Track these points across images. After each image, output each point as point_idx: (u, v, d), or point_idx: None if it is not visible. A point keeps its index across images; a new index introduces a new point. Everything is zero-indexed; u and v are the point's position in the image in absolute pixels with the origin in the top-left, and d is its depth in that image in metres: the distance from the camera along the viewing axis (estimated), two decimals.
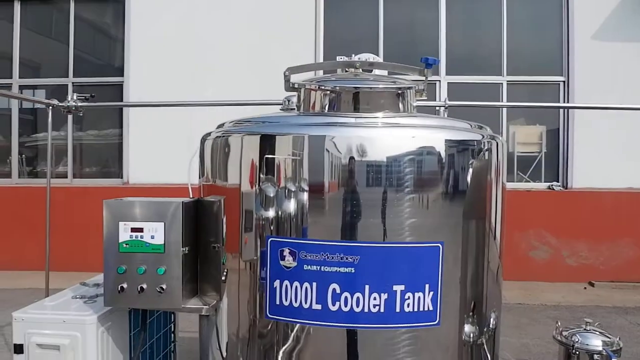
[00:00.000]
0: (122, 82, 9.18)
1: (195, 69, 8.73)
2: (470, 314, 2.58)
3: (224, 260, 2.63)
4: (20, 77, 9.46)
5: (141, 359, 3.34)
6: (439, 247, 2.34)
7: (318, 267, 2.30)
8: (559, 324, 3.41)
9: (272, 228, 2.40)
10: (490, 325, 2.74)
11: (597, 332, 3.26)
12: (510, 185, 9.15)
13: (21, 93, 9.16)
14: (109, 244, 2.71)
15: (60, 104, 5.24)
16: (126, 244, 2.70)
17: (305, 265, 2.31)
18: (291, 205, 2.37)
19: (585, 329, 3.30)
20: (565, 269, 8.89)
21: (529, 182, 9.38)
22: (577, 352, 3.18)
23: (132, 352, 3.21)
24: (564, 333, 3.31)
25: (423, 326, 2.36)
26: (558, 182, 9.29)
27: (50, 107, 5.21)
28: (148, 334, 3.48)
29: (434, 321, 2.36)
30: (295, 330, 2.39)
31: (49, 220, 5.05)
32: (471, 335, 2.59)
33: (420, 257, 2.32)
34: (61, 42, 9.52)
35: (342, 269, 2.28)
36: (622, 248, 8.76)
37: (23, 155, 9.73)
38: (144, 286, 2.69)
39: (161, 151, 8.52)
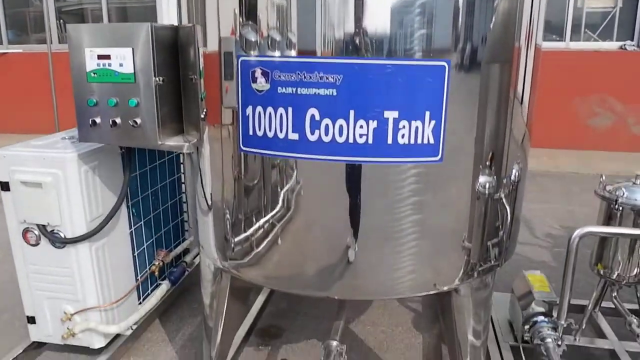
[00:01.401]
0: None
1: None
2: (487, 164, 2.17)
3: (202, 96, 2.30)
4: None
5: (143, 204, 3.23)
6: (444, 66, 1.87)
7: (294, 90, 1.91)
8: (604, 177, 2.93)
9: (243, 46, 1.99)
10: (512, 180, 2.33)
11: None
12: (575, 46, 8.24)
13: None
14: (76, 75, 2.44)
15: None
16: (94, 74, 2.41)
17: (279, 88, 1.92)
18: (267, 17, 1.94)
19: (634, 183, 2.82)
20: (629, 138, 8.11)
21: (598, 41, 8.29)
22: (621, 208, 2.74)
23: (129, 195, 3.07)
24: (608, 187, 2.85)
25: (421, 162, 1.97)
26: (632, 41, 8.15)
27: None
28: (153, 180, 3.33)
29: (436, 156, 1.96)
30: (273, 165, 2.08)
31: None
32: (487, 186, 2.20)
33: (419, 78, 1.87)
34: None
35: (321, 91, 1.88)
36: None
37: (61, 21, 9.55)
38: (117, 120, 2.43)
39: None
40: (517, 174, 2.42)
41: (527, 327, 2.81)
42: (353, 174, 1.99)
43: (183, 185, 3.76)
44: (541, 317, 2.80)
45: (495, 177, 2.23)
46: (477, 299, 2.35)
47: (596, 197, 2.88)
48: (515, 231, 2.55)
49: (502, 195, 2.35)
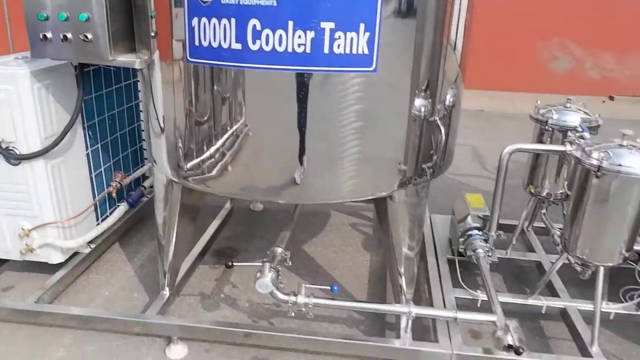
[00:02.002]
0: None
1: None
2: (423, 88, 2.32)
3: (152, 14, 2.34)
4: None
5: (99, 127, 3.29)
6: None
7: (236, 0, 1.99)
8: (539, 102, 3.12)
9: None
10: (447, 104, 2.50)
11: (577, 110, 2.98)
12: None
13: None
14: None
15: None
16: None
17: None
18: None
19: (565, 106, 3.02)
20: (586, 82, 8.37)
21: None
22: (551, 129, 2.95)
23: (85, 117, 3.13)
24: (541, 111, 3.04)
25: (356, 71, 2.10)
26: None
27: None
28: (109, 104, 3.38)
29: (370, 67, 2.09)
30: (220, 76, 2.18)
31: None
32: (423, 104, 2.35)
33: None
34: None
35: (262, 2, 1.97)
36: None
37: None
38: (68, 35, 2.46)
39: None
40: (451, 99, 2.57)
41: (462, 240, 3.04)
42: (295, 83, 2.11)
43: (141, 113, 3.81)
44: (475, 231, 3.03)
45: (430, 96, 2.37)
46: (411, 208, 2.54)
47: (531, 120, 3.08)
48: (450, 150, 2.73)
49: (437, 117, 2.51)
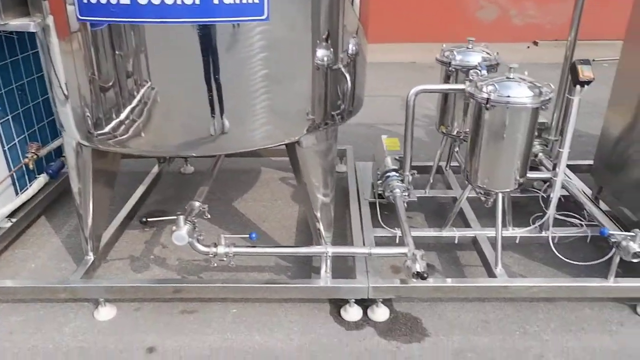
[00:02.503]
0: None
1: None
2: (324, 38, 2.38)
3: None
4: None
5: (7, 98, 3.19)
6: None
7: None
8: (445, 46, 3.23)
9: None
10: (349, 53, 2.58)
11: (480, 50, 3.11)
12: None
13: None
14: None
15: None
16: None
17: None
18: None
19: (467, 48, 3.14)
20: (511, 29, 8.62)
21: None
22: (454, 70, 3.07)
23: None
24: (446, 53, 3.16)
25: (248, 20, 2.13)
26: None
27: None
28: (17, 74, 3.27)
29: (262, 15, 2.12)
30: (114, 34, 2.16)
31: None
32: (325, 54, 2.41)
33: None
34: None
35: None
36: (570, 5, 8.39)
37: None
38: None
39: None
40: (354, 48, 2.64)
41: (379, 182, 3.17)
42: (191, 36, 2.11)
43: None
44: (393, 173, 3.16)
45: (332, 45, 2.44)
46: (321, 154, 2.62)
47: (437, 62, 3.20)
48: (358, 97, 2.81)
49: (341, 65, 2.58)
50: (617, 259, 2.49)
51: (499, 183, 2.63)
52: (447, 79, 3.16)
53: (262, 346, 2.50)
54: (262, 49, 2.24)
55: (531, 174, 2.84)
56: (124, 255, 3.20)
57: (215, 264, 2.63)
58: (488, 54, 3.12)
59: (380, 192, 3.19)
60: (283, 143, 2.51)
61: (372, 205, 3.34)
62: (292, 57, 2.35)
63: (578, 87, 2.55)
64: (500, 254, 2.69)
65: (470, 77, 2.58)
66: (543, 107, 2.42)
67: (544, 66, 7.85)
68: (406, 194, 3.08)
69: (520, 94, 2.39)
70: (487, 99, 2.38)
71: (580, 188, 3.36)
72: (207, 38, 2.15)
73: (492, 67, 2.99)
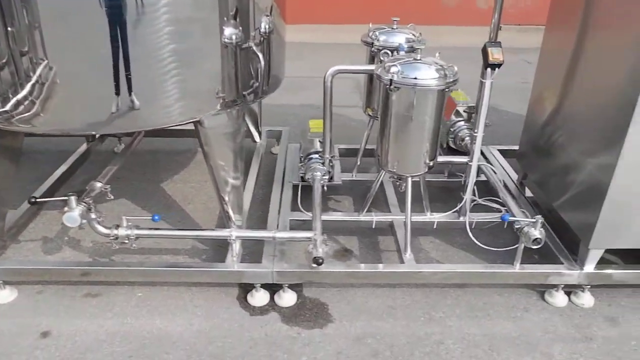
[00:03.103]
0: None
1: None
2: (231, 15, 2.31)
3: None
4: None
5: None
6: None
7: None
8: (371, 26, 3.15)
9: None
10: (262, 31, 2.51)
11: (404, 31, 3.04)
12: None
13: None
14: None
15: None
16: None
17: None
18: None
19: (392, 28, 3.06)
20: (476, 13, 8.55)
21: None
22: (377, 51, 2.99)
23: None
24: (370, 34, 3.08)
25: None
26: None
27: None
28: None
29: None
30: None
31: None
32: (234, 33, 2.32)
33: None
34: None
35: None
36: None
37: None
38: None
39: None
40: (267, 26, 2.55)
41: (301, 165, 3.11)
42: (91, 8, 2.02)
43: None
44: (315, 156, 3.10)
45: (241, 24, 2.35)
46: (228, 133, 2.54)
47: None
48: (275, 76, 2.73)
49: (253, 44, 2.50)
50: (521, 246, 2.47)
51: (408, 167, 2.58)
52: (372, 60, 3.08)
53: (161, 331, 2.44)
54: (167, 24, 2.15)
55: (445, 158, 2.80)
56: (38, 236, 3.10)
57: (117, 246, 2.55)
58: (413, 34, 3.04)
59: (301, 174, 3.13)
60: (184, 123, 2.43)
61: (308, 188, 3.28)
62: (198, 34, 2.27)
63: (489, 69, 2.49)
64: (409, 239, 2.66)
65: (381, 58, 2.50)
66: (448, 89, 2.35)
67: (509, 50, 7.89)
68: (326, 177, 3.02)
69: (426, 75, 2.33)
70: (391, 80, 2.31)
71: (501, 174, 3.35)
72: (108, 11, 2.05)
73: (414, 49, 2.92)
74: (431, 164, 2.58)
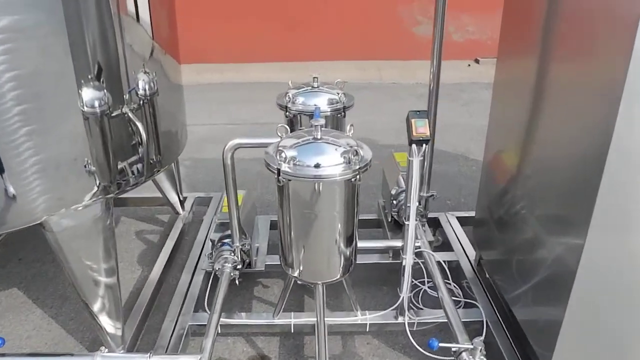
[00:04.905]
0: None
1: None
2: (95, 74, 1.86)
3: None
4: None
5: None
6: None
7: None
8: (291, 84, 2.67)
9: None
10: (141, 93, 2.04)
11: (325, 90, 2.55)
12: None
13: None
14: None
15: None
16: None
17: None
18: None
19: (312, 87, 2.58)
20: (451, 46, 8.11)
21: None
22: (292, 115, 2.50)
23: None
24: (289, 93, 2.59)
25: None
26: None
27: None
28: None
29: None
30: None
31: None
32: (97, 101, 1.86)
33: None
34: None
35: None
36: None
37: None
38: None
39: None
40: (147, 86, 2.08)
41: (209, 254, 2.59)
42: None
43: None
44: (226, 240, 2.57)
45: (108, 91, 1.88)
46: (104, 223, 2.04)
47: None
48: (167, 145, 2.24)
49: (128, 110, 2.02)
50: None
51: (317, 273, 2.04)
52: (290, 125, 2.58)
53: None
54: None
55: (380, 243, 2.29)
56: None
57: None
58: (338, 94, 2.56)
59: (210, 263, 2.60)
60: (25, 226, 1.91)
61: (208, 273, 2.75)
62: (52, 99, 1.80)
63: (414, 146, 1.98)
64: (324, 346, 2.09)
65: (278, 134, 1.98)
66: (355, 180, 1.83)
67: (483, 85, 7.45)
68: (237, 267, 2.50)
69: (328, 161, 1.80)
70: (278, 169, 1.79)
71: (457, 250, 2.84)
72: None
73: (337, 111, 2.44)
74: (352, 267, 2.04)
